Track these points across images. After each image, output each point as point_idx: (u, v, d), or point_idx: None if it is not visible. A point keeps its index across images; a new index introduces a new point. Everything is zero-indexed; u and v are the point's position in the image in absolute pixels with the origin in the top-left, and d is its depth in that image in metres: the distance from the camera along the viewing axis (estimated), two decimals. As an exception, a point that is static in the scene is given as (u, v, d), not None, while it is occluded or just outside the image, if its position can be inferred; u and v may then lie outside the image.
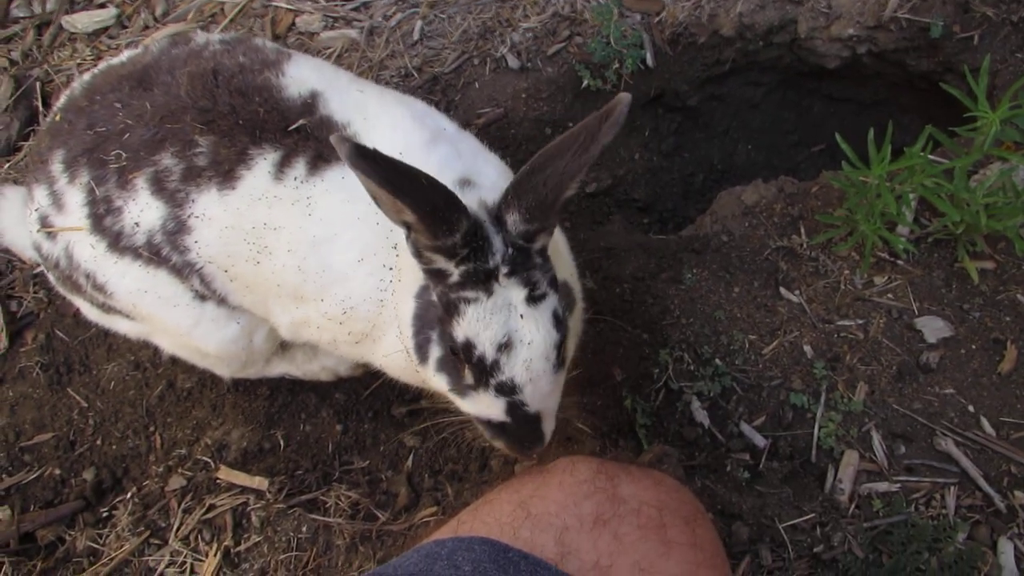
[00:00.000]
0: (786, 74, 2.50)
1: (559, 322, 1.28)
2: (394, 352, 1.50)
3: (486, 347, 1.24)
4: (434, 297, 1.30)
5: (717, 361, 1.84)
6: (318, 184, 1.44)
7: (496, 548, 1.21)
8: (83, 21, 2.51)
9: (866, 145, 1.79)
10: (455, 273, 1.24)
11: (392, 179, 1.10)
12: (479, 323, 1.23)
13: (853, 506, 1.69)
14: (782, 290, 1.92)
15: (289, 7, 2.42)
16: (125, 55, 1.70)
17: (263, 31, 2.41)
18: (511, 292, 1.24)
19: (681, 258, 2.02)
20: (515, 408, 1.29)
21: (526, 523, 1.26)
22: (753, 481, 1.73)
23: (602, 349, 1.91)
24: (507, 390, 1.27)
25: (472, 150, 1.54)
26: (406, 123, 1.48)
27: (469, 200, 1.26)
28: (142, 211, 1.51)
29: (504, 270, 1.24)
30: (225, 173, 1.46)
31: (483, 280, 1.23)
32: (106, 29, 2.52)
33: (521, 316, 1.24)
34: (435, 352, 1.34)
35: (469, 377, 1.29)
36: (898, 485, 1.70)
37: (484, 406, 1.31)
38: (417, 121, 1.49)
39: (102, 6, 2.55)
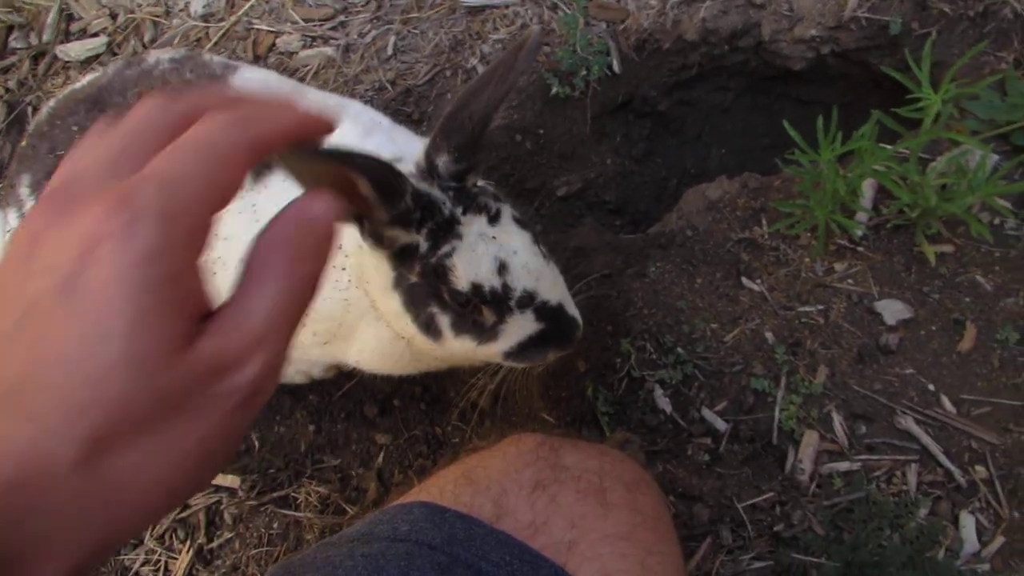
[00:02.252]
0: (754, 78, 2.54)
1: (523, 223, 1.37)
2: (369, 347, 1.56)
3: (490, 278, 1.30)
4: (413, 278, 1.35)
5: (679, 349, 1.86)
6: (262, 191, 1.49)
7: (433, 509, 1.24)
8: (76, 50, 2.62)
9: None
10: (422, 240, 1.30)
11: (339, 157, 1.16)
12: (471, 264, 1.29)
13: (814, 485, 1.69)
14: (744, 280, 1.94)
15: (270, 29, 2.52)
16: (86, 79, 1.77)
17: (245, 53, 2.50)
18: (475, 225, 1.31)
19: (647, 253, 2.05)
20: (541, 310, 1.35)
21: (467, 489, 1.28)
22: (713, 464, 1.74)
23: (568, 342, 1.93)
24: (526, 300, 1.34)
25: (405, 138, 1.62)
26: (343, 122, 1.54)
27: None
28: None
29: (458, 211, 1.31)
30: None
31: (448, 229, 1.30)
32: (97, 56, 2.63)
33: (494, 237, 1.31)
34: (445, 321, 1.37)
35: (491, 315, 1.34)
36: (859, 464, 1.70)
37: (517, 328, 1.36)
38: (351, 119, 1.58)
39: (94, 35, 2.66)
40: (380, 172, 1.17)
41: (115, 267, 0.53)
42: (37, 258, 0.57)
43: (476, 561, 1.14)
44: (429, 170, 1.36)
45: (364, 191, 1.20)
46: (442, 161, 1.34)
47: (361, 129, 1.56)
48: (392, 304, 1.40)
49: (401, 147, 1.55)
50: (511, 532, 1.21)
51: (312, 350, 1.65)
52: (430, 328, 1.39)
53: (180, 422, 0.57)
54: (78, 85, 1.75)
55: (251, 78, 1.65)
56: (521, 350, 1.40)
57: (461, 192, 1.35)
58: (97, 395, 0.53)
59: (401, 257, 1.34)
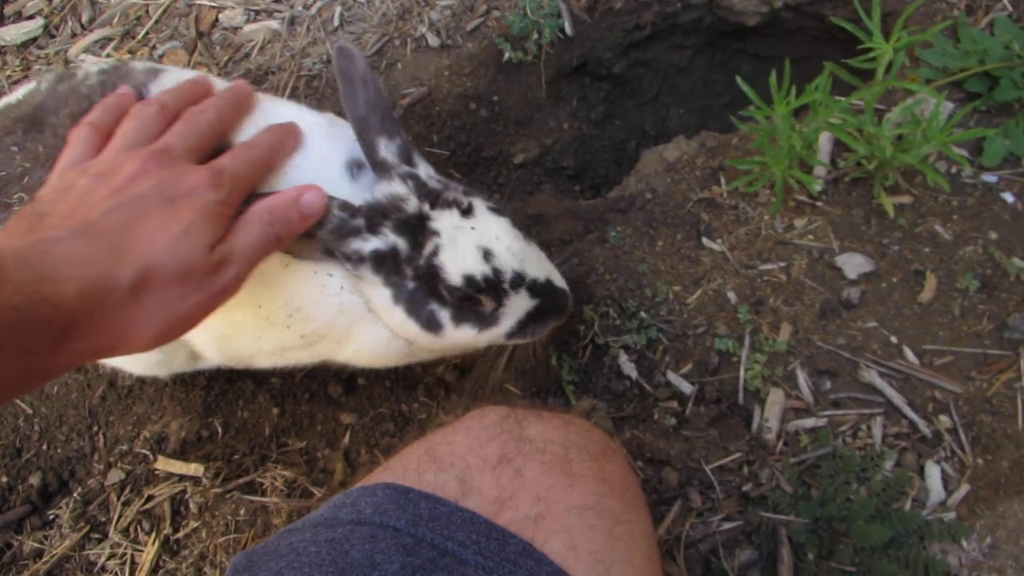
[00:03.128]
0: (710, 35, 2.51)
1: (498, 211, 1.43)
2: (366, 348, 1.55)
3: (480, 267, 1.36)
4: (410, 286, 1.38)
5: (642, 314, 1.84)
6: None
7: (397, 490, 1.22)
8: (12, 33, 2.52)
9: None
10: (399, 242, 1.35)
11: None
12: (458, 259, 1.35)
13: (780, 443, 1.69)
14: (704, 240, 1.92)
15: (212, 4, 2.44)
16: (21, 92, 1.66)
17: (188, 30, 2.42)
18: (448, 220, 1.36)
19: (607, 218, 2.03)
20: (533, 288, 1.42)
21: (431, 467, 1.27)
22: (680, 427, 1.73)
23: (530, 312, 1.91)
24: (518, 281, 1.40)
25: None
26: (290, 112, 1.50)
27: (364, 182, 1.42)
28: None
29: (425, 207, 1.36)
30: None
31: (419, 226, 1.35)
32: (35, 40, 2.53)
33: (472, 228, 1.36)
34: (445, 315, 1.41)
35: (489, 303, 1.40)
36: (824, 419, 1.70)
37: (516, 309, 1.44)
38: (304, 115, 1.52)
39: (30, 17, 2.56)
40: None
41: (203, 201, 1.10)
42: (147, 176, 1.11)
43: (442, 541, 1.12)
44: (376, 166, 1.39)
45: None
46: (383, 147, 1.39)
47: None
48: (397, 317, 1.43)
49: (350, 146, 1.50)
50: (477, 509, 1.19)
51: (294, 353, 1.62)
52: (431, 324, 1.42)
53: (187, 290, 1.06)
54: (13, 99, 1.65)
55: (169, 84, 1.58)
56: (522, 328, 1.47)
57: (418, 183, 1.38)
58: (158, 255, 1.03)
59: (384, 266, 1.37)
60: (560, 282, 1.49)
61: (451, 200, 1.38)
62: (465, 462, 1.27)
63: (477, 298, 1.39)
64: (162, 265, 1.03)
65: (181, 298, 1.07)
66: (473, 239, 1.36)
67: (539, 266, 1.45)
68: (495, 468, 1.26)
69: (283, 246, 1.24)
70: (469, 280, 1.35)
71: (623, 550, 1.21)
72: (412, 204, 1.36)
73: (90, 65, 1.67)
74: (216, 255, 1.09)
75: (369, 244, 1.34)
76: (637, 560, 1.23)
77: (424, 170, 1.45)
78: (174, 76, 1.59)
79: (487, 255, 1.36)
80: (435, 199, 1.38)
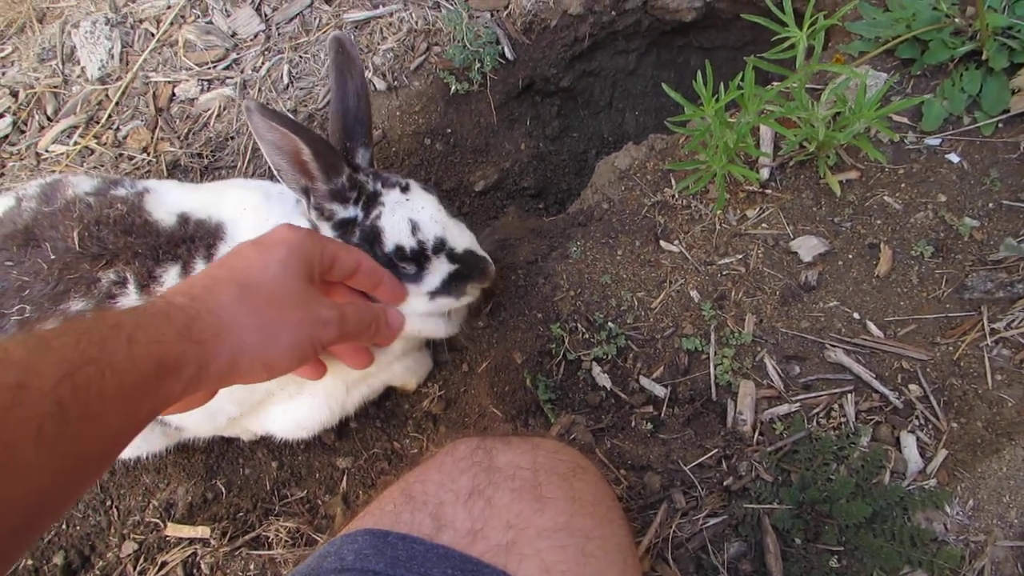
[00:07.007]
0: (652, 36, 2.55)
1: (428, 189, 1.73)
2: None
3: (408, 240, 1.62)
4: (354, 241, 1.62)
5: (610, 324, 1.88)
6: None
7: (376, 536, 1.27)
8: (-18, 134, 2.61)
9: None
10: (357, 211, 1.62)
11: (290, 123, 1.45)
12: (394, 227, 1.61)
13: (756, 434, 1.72)
14: (662, 243, 1.96)
15: (167, 79, 2.51)
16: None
17: (148, 107, 2.50)
18: (392, 196, 1.65)
19: (569, 234, 2.07)
20: (452, 255, 1.67)
21: (406, 507, 1.32)
22: (657, 430, 1.77)
23: (504, 337, 1.96)
24: (439, 246, 1.66)
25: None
26: (241, 193, 1.74)
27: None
28: None
29: (378, 185, 1.65)
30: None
31: (374, 200, 1.64)
32: (6, 137, 2.62)
33: (407, 200, 1.65)
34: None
35: (411, 267, 1.64)
36: (797, 404, 1.73)
37: (436, 271, 1.67)
38: (251, 190, 1.76)
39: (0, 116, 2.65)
40: (320, 145, 1.52)
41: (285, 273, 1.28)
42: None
43: (420, 580, 1.17)
44: (353, 168, 1.64)
45: (306, 159, 1.50)
46: (360, 155, 1.69)
47: (262, 195, 1.74)
48: None
49: (303, 208, 1.69)
50: (451, 543, 1.24)
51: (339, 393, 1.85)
52: None
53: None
54: None
55: (164, 194, 1.73)
56: (445, 288, 1.69)
57: (376, 175, 1.67)
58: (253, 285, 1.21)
59: (341, 228, 1.64)
60: (481, 252, 1.73)
61: (394, 182, 1.67)
62: (438, 498, 1.32)
63: (402, 264, 1.63)
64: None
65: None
66: (406, 210, 1.63)
67: (460, 238, 1.70)
68: (467, 501, 1.31)
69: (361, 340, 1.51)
70: (398, 248, 1.61)
71: (596, 566, 1.25)
72: (371, 185, 1.64)
73: (76, 181, 1.74)
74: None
75: (345, 212, 1.61)
76: (612, 574, 1.27)
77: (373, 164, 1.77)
78: (163, 189, 1.71)
79: (415, 228, 1.63)
80: (384, 181, 1.67)
